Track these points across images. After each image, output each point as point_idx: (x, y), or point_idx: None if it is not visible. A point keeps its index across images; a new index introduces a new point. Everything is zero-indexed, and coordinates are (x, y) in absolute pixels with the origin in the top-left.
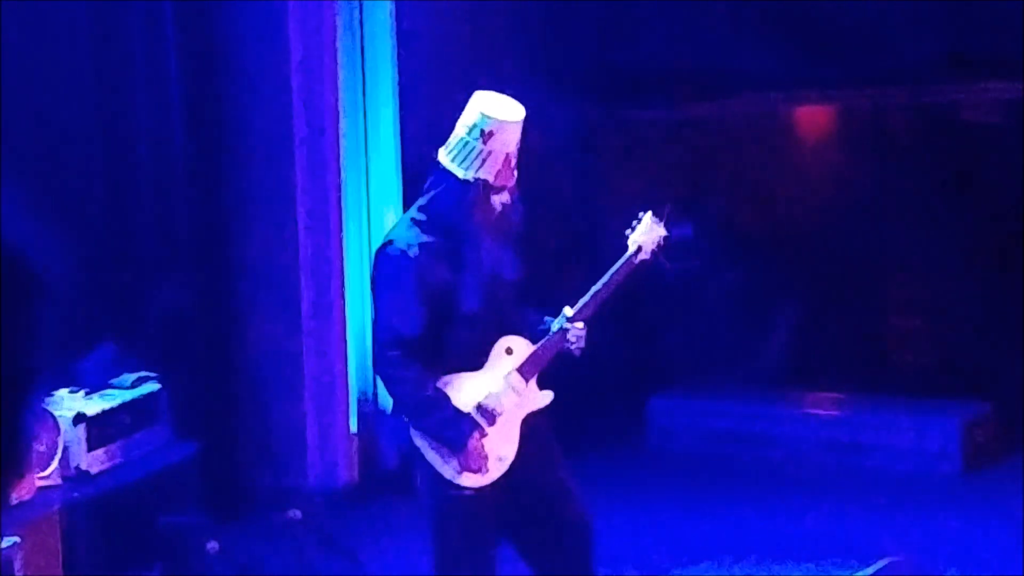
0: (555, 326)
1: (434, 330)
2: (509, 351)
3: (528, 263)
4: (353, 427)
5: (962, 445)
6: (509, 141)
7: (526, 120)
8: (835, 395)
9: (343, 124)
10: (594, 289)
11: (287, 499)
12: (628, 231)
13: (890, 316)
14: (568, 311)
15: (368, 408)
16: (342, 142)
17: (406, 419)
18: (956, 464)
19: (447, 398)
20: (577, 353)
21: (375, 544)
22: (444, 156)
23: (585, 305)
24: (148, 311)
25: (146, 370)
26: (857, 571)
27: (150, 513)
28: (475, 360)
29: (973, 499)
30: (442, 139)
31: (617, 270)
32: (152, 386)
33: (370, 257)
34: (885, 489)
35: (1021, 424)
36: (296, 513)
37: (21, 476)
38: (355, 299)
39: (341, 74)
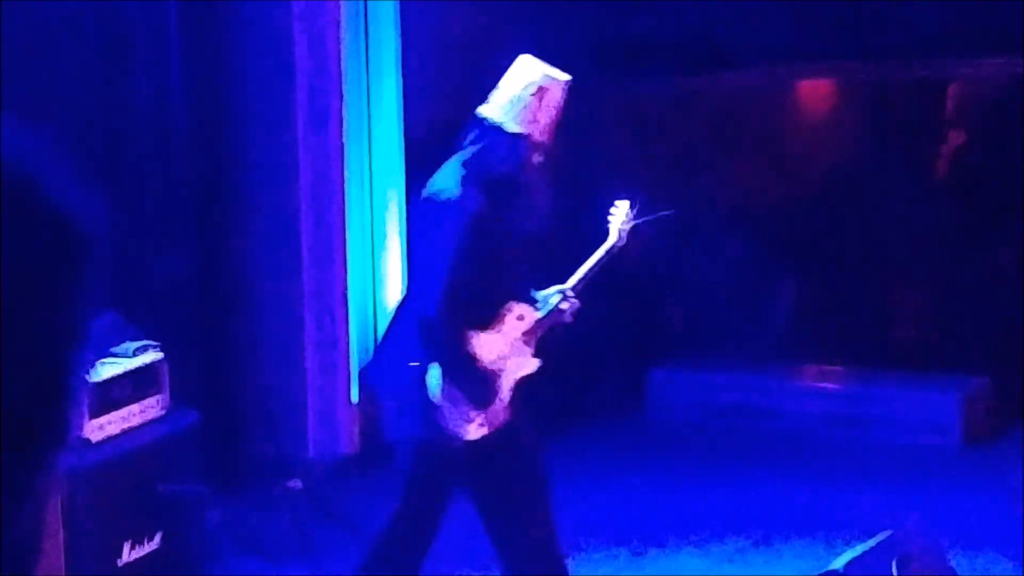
0: (554, 299)
1: (471, 283)
2: (520, 318)
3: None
4: (354, 397)
5: (962, 418)
6: (558, 101)
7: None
8: (835, 368)
9: (346, 104)
10: (585, 269)
11: (287, 469)
12: (609, 217)
13: (891, 289)
14: (561, 287)
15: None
16: (345, 115)
17: (438, 371)
18: (955, 437)
19: (476, 356)
20: (568, 320)
21: (375, 514)
22: (493, 111)
23: (579, 282)
24: (150, 280)
25: (147, 339)
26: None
27: (151, 482)
28: (486, 318)
29: (972, 472)
30: (444, 121)
31: (604, 254)
32: (154, 355)
33: (372, 226)
34: (884, 462)
35: (1020, 398)
36: (296, 483)
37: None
38: (357, 270)
39: (344, 58)
